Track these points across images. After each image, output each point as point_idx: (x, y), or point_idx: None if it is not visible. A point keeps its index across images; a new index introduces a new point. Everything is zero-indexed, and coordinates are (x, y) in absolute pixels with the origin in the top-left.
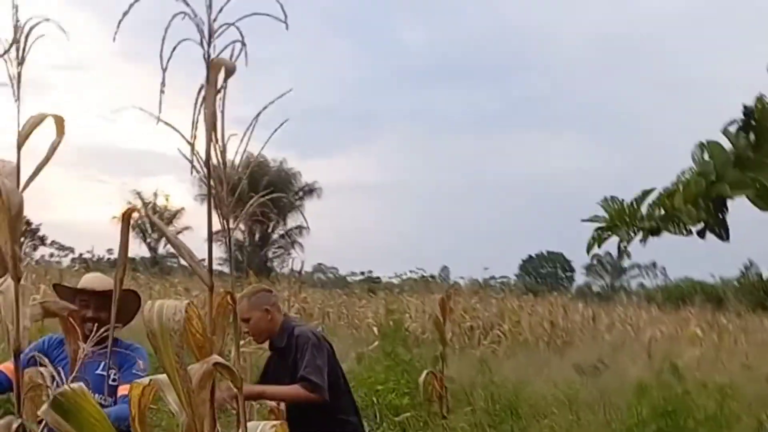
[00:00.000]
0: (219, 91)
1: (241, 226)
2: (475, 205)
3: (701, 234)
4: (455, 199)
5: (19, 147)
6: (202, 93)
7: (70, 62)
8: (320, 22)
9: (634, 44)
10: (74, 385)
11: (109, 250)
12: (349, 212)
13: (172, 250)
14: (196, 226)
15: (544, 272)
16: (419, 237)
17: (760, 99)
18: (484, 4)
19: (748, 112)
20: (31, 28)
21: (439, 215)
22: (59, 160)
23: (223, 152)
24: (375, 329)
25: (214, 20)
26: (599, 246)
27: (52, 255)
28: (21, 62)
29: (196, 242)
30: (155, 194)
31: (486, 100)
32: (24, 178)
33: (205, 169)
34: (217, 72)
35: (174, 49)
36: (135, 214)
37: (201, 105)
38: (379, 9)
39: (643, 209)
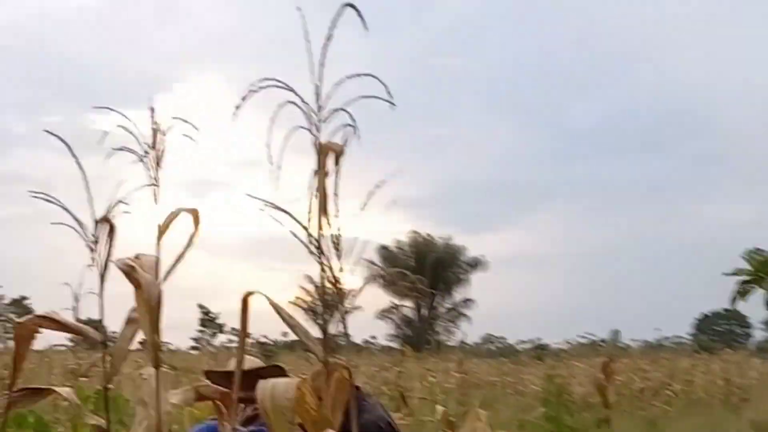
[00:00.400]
0: (329, 175)
1: (409, 301)
2: (645, 268)
3: None
4: (625, 263)
5: (158, 240)
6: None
7: (245, 159)
8: (485, 100)
9: None
10: None
11: (284, 334)
12: (518, 283)
13: (342, 330)
14: (366, 305)
15: (720, 330)
16: (590, 303)
17: None
18: (646, 73)
19: None
20: (164, 133)
21: (609, 280)
22: (237, 251)
23: (339, 236)
24: (540, 396)
25: (321, 107)
26: (743, 299)
27: (230, 341)
28: (158, 164)
29: (366, 320)
30: (328, 277)
31: (650, 165)
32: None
33: (317, 250)
34: (326, 156)
35: (283, 136)
36: (307, 298)
37: (317, 188)
38: (543, 83)
39: None
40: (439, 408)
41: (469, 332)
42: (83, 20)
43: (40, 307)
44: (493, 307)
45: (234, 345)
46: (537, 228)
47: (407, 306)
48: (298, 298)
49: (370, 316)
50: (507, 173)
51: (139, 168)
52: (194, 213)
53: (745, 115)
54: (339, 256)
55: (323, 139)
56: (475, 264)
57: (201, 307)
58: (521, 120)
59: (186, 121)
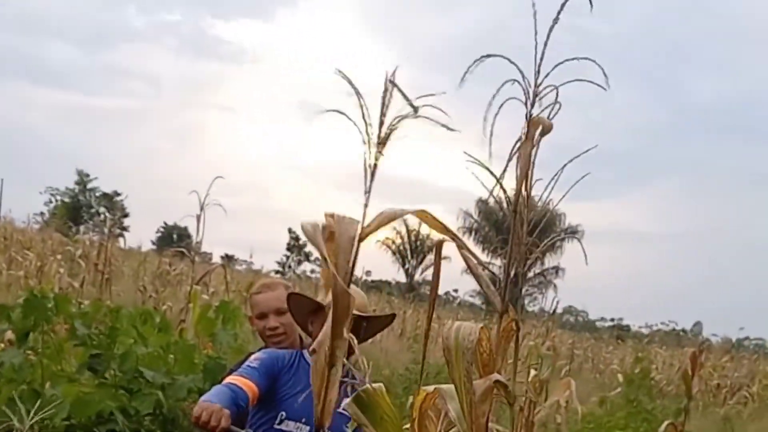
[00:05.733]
0: (534, 147)
1: (499, 261)
2: (740, 265)
3: None
4: (721, 255)
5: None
6: (517, 145)
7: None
8: (608, 66)
9: None
10: (375, 385)
11: (367, 273)
12: (609, 258)
13: (428, 278)
14: (454, 256)
15: None
16: (677, 290)
17: None
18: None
19: None
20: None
21: (701, 270)
22: (336, 181)
23: (528, 199)
24: (619, 376)
25: (539, 84)
26: None
27: (312, 271)
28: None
29: (452, 273)
30: (420, 222)
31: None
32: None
33: (508, 212)
34: (535, 129)
35: (500, 107)
36: (398, 241)
37: (515, 155)
38: (667, 56)
39: None
40: (531, 371)
41: (556, 301)
42: None
43: (131, 206)
44: (579, 278)
45: (316, 276)
46: (638, 203)
47: (496, 264)
48: (387, 238)
49: (456, 269)
50: (618, 143)
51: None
52: (423, 215)
53: None
54: (526, 218)
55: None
56: (572, 232)
57: (291, 231)
58: (641, 91)
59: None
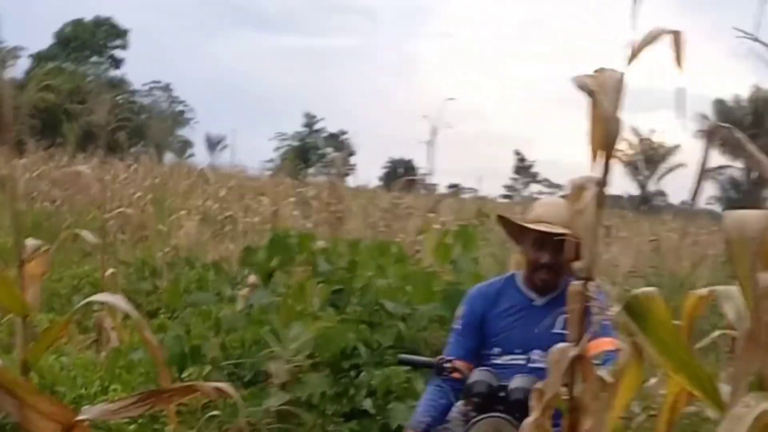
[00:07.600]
0: None
1: (740, 164)
2: None
3: None
4: None
5: (629, 62)
6: None
7: None
8: None
9: None
10: (646, 289)
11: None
12: None
13: (660, 188)
14: (691, 163)
15: None
16: None
17: None
18: None
19: None
20: None
21: None
22: (557, 98)
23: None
24: None
25: None
26: None
27: (540, 192)
28: None
29: (688, 180)
30: (651, 131)
31: None
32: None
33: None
34: None
35: None
36: (629, 151)
37: None
38: None
39: None
40: None
41: None
42: None
43: (356, 143)
44: None
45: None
46: None
47: (736, 167)
48: (619, 150)
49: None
50: None
51: None
52: (676, 35)
53: None
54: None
55: None
56: None
57: (517, 153)
58: None
59: None
